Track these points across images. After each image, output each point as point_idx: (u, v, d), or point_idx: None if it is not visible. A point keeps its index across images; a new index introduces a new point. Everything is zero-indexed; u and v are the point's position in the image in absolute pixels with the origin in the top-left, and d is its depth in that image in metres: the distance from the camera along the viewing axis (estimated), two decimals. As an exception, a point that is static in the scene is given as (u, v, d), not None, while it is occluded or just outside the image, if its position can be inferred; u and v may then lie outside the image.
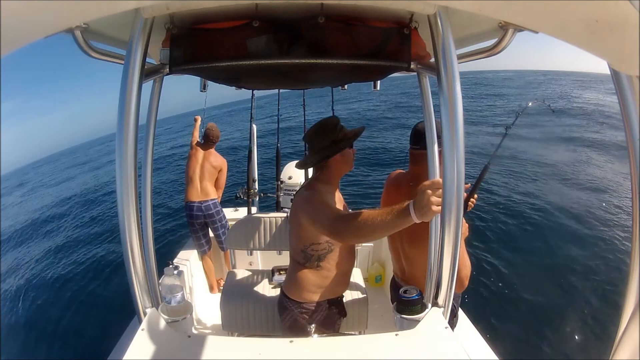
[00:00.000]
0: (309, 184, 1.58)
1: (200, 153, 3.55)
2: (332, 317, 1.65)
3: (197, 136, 3.70)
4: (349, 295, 2.05)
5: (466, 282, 1.72)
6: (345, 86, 2.49)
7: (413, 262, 1.74)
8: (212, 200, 3.46)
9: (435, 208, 0.99)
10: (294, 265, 1.63)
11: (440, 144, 1.49)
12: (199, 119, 3.81)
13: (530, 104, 2.04)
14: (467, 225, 1.61)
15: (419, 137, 1.63)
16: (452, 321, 1.95)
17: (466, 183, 1.62)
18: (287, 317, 1.63)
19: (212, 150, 3.62)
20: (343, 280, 1.67)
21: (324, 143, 1.52)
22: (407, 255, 1.77)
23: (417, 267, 1.71)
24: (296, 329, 1.61)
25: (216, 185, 3.61)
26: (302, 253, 1.55)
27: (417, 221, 1.03)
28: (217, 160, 3.59)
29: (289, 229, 1.71)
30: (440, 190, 1.00)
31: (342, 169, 1.59)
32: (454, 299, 1.83)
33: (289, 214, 1.70)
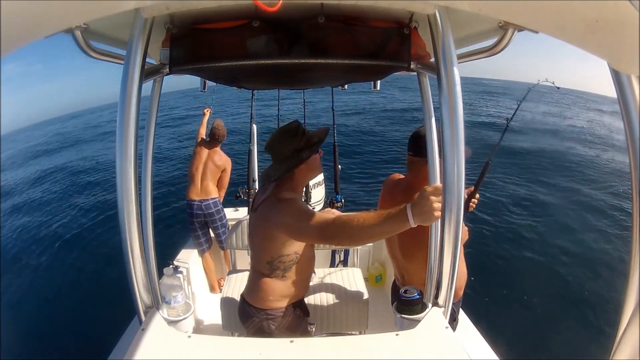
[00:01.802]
0: (275, 194, 1.46)
1: (205, 152, 3.51)
2: (297, 319, 1.62)
3: (203, 133, 3.67)
4: (349, 295, 2.05)
5: (460, 292, 1.71)
6: (345, 86, 2.50)
7: (410, 274, 1.75)
8: (212, 199, 3.44)
9: (437, 214, 1.02)
10: (256, 275, 1.56)
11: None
12: (208, 112, 3.77)
13: (531, 88, 1.88)
14: (466, 228, 1.60)
15: (416, 143, 1.59)
16: (452, 325, 1.95)
17: (468, 186, 1.61)
18: (251, 324, 1.56)
19: (217, 149, 3.56)
20: (306, 283, 1.64)
21: (286, 152, 1.43)
22: (405, 267, 1.78)
23: (415, 277, 1.71)
24: (261, 336, 1.53)
25: (219, 184, 3.58)
26: (268, 265, 1.49)
27: (414, 225, 1.05)
28: (221, 159, 3.54)
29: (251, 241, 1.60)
30: (441, 195, 1.03)
31: (308, 176, 1.53)
32: (453, 304, 1.84)
33: (251, 227, 1.56)
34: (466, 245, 1.61)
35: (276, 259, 1.47)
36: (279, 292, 1.53)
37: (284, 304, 1.56)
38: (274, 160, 1.50)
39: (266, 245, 1.47)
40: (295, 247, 1.46)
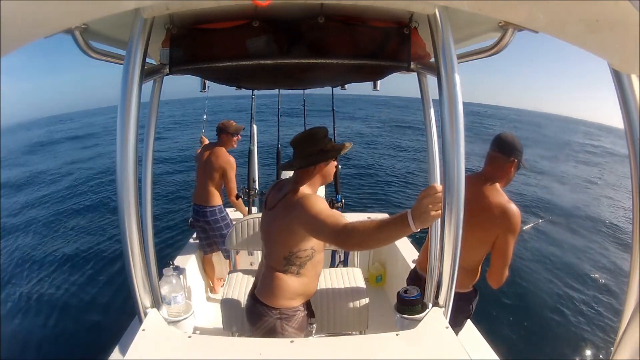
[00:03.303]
0: (295, 190, 1.50)
1: (206, 152, 3.20)
2: (305, 318, 1.64)
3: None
4: (349, 295, 2.05)
5: (504, 280, 1.75)
6: (346, 86, 2.50)
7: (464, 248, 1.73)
8: (210, 207, 3.19)
9: (434, 214, 1.01)
10: (271, 272, 1.56)
11: (515, 155, 1.73)
12: (205, 140, 3.52)
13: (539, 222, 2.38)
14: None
15: (502, 143, 1.78)
16: (464, 322, 1.97)
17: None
18: (263, 324, 1.55)
19: (220, 148, 3.18)
20: (317, 281, 1.68)
21: (312, 150, 1.51)
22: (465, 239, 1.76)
23: (467, 255, 1.70)
24: (272, 336, 1.54)
25: (226, 189, 3.20)
26: (285, 260, 1.51)
27: (416, 230, 1.05)
28: (218, 160, 3.12)
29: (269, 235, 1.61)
30: (438, 195, 1.02)
31: (323, 178, 1.58)
32: (473, 300, 1.85)
33: (266, 225, 1.61)
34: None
35: (294, 254, 1.49)
36: (293, 290, 1.55)
37: (297, 302, 1.58)
38: (296, 156, 1.56)
39: (285, 238, 1.49)
40: (312, 242, 1.50)
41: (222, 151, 3.17)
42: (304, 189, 1.51)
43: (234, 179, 3.14)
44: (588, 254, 4.83)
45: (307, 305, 1.67)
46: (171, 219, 7.14)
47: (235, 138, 3.21)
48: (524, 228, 2.24)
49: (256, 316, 1.58)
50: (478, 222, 1.67)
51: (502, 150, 1.77)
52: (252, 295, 1.63)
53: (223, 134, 3.18)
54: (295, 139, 1.57)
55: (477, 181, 1.81)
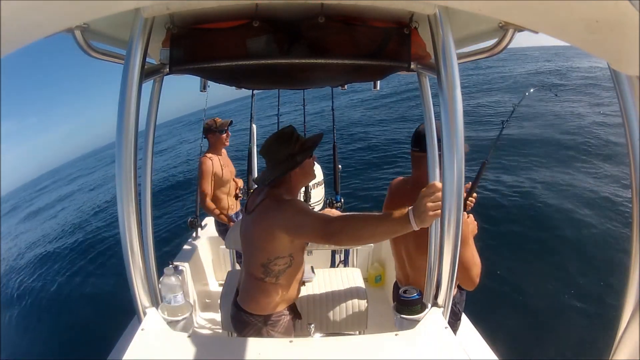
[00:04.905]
0: (273, 195, 1.46)
1: None
2: (292, 321, 1.63)
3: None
4: (349, 295, 2.05)
5: (477, 280, 1.69)
6: (345, 86, 2.50)
7: (419, 269, 1.69)
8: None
9: (432, 213, 1.02)
10: (250, 280, 1.54)
11: (440, 147, 1.52)
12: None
13: (528, 92, 1.84)
14: (475, 223, 1.59)
15: (420, 140, 1.59)
16: (455, 324, 1.94)
17: (466, 183, 1.61)
18: (249, 331, 1.54)
19: (203, 156, 3.09)
20: (299, 286, 1.65)
21: (281, 157, 1.46)
22: (414, 262, 1.73)
23: (424, 273, 1.69)
24: None
25: None
26: (262, 267, 1.47)
27: (417, 228, 1.05)
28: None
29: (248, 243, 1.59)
30: (438, 194, 1.02)
31: (302, 181, 1.55)
32: (458, 302, 1.83)
33: (245, 230, 1.58)
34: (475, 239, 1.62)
35: (272, 261, 1.45)
36: (275, 297, 1.53)
37: (280, 308, 1.56)
38: (268, 165, 1.53)
39: (264, 245, 1.46)
40: (291, 249, 1.46)
41: (201, 159, 3.03)
42: (282, 194, 1.47)
43: (201, 184, 2.95)
44: (587, 251, 4.83)
45: (292, 308, 1.66)
46: (171, 218, 7.15)
47: (223, 135, 3.08)
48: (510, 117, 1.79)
49: (241, 324, 1.57)
50: (422, 238, 1.51)
51: (423, 146, 1.54)
52: (235, 303, 1.61)
53: (210, 134, 3.06)
54: (262, 148, 1.52)
55: (406, 189, 1.69)
